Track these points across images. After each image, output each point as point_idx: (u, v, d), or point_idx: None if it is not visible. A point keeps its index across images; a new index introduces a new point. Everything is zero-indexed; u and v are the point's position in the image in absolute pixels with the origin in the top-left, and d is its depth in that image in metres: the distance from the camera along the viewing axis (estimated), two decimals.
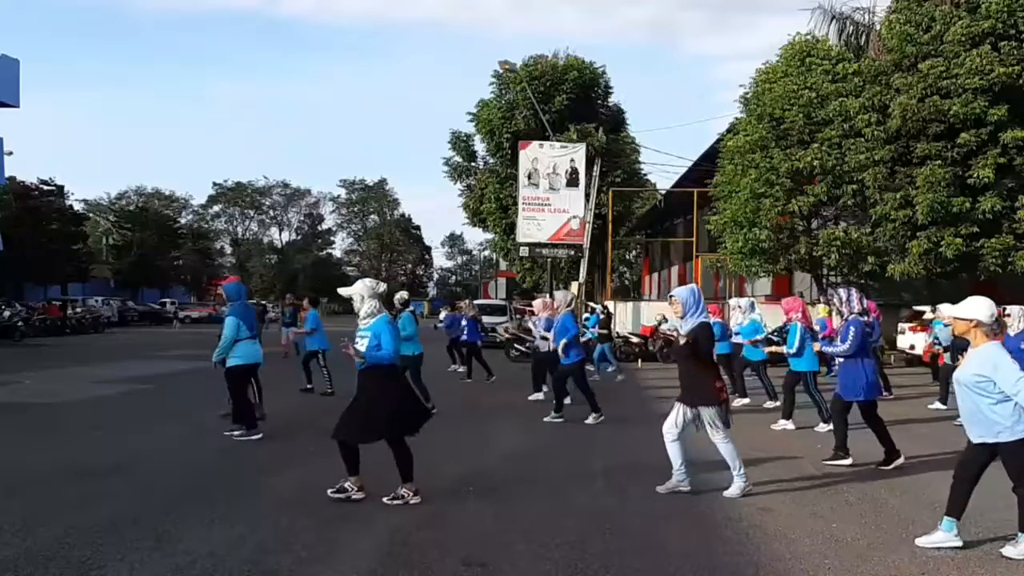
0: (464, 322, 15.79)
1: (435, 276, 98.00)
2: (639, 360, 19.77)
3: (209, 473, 6.83)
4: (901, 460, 7.33)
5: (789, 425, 9.56)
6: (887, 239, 18.44)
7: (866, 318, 7.66)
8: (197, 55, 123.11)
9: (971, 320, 4.86)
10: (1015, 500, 6.20)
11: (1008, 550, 4.82)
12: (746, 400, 11.49)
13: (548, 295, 26.06)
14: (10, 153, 28.95)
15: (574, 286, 25.52)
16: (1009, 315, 8.99)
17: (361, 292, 5.89)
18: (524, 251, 26.40)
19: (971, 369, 4.89)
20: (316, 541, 4.89)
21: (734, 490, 6.13)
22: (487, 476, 6.84)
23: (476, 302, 31.99)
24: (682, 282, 33.81)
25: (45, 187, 46.27)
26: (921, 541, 4.98)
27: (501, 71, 29.91)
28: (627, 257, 47.11)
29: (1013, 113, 16.70)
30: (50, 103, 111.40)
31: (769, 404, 11.29)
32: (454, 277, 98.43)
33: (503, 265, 44.46)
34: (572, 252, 25.65)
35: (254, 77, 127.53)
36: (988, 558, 4.80)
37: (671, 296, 6.44)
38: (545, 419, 9.90)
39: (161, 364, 14.12)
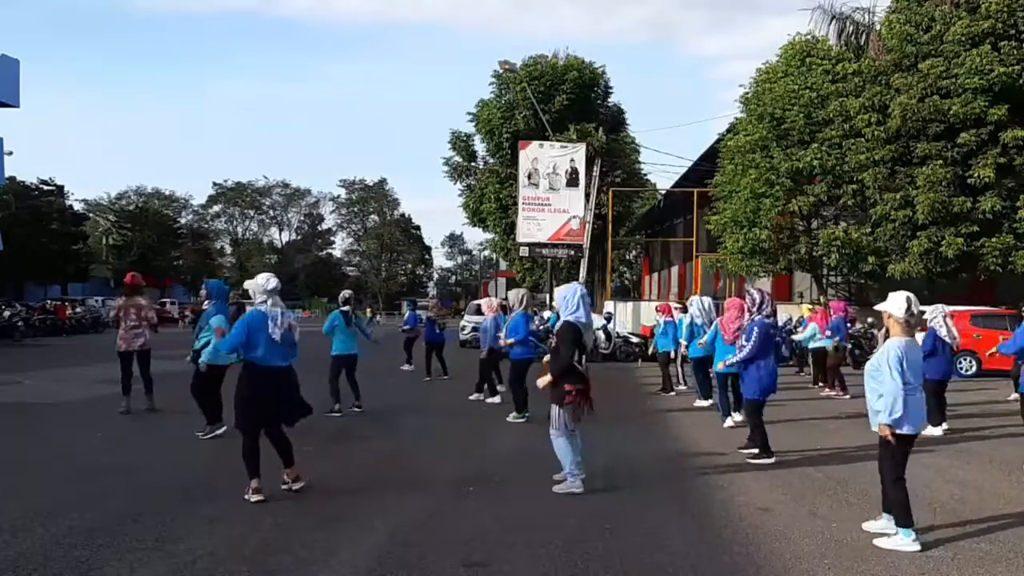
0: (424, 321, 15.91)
1: (435, 276, 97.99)
2: (639, 360, 19.78)
3: (209, 473, 6.83)
4: (771, 460, 7.41)
5: (737, 416, 9.58)
6: (887, 239, 18.46)
7: (771, 320, 7.80)
8: (197, 55, 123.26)
9: (885, 313, 5.15)
10: (1014, 498, 6.23)
11: (882, 541, 4.92)
12: (708, 402, 11.51)
13: (549, 295, 26.13)
14: (10, 153, 28.98)
15: None
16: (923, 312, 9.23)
17: (252, 290, 6.00)
18: (524, 251, 26.44)
19: (873, 357, 5.17)
20: (316, 541, 4.89)
21: (561, 487, 6.17)
22: (487, 476, 6.84)
23: (475, 302, 32.18)
24: (682, 282, 33.86)
25: (45, 187, 46.33)
26: (880, 543, 4.97)
27: (501, 71, 29.94)
28: (627, 257, 47.11)
29: (1013, 113, 16.73)
30: (50, 103, 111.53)
31: (699, 403, 11.52)
32: (454, 277, 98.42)
33: (503, 265, 44.48)
34: (572, 252, 25.67)
35: (254, 77, 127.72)
36: (987, 558, 4.80)
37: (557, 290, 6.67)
38: (508, 418, 9.89)
39: (160, 364, 14.00)
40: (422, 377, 14.87)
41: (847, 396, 12.59)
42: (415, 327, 17.03)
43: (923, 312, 5.21)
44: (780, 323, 17.81)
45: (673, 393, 12.99)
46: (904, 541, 4.85)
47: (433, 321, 15.60)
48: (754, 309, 7.84)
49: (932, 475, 7.00)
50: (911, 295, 5.14)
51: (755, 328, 7.66)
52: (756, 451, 7.57)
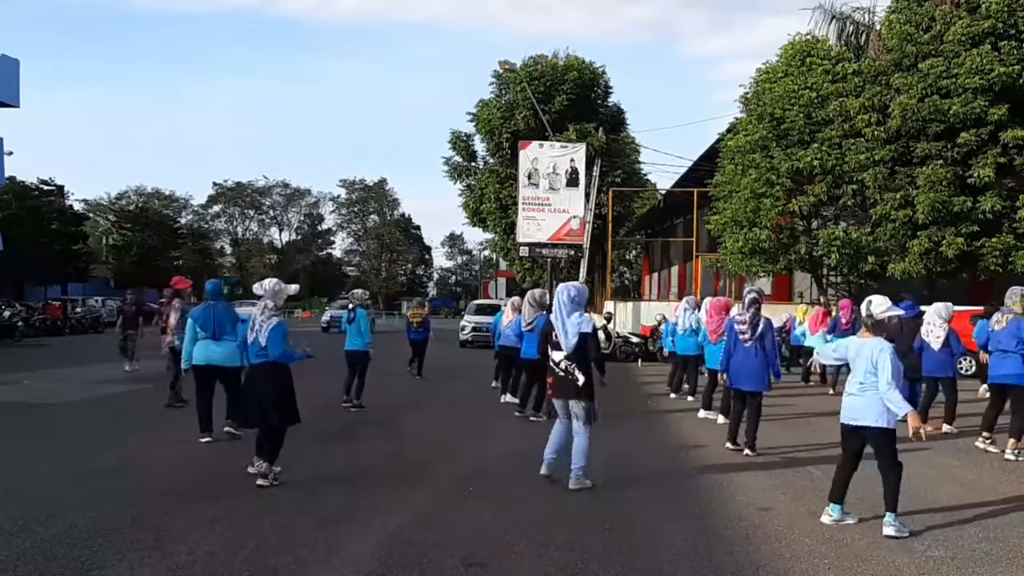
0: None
1: (435, 276, 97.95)
2: (639, 360, 19.79)
3: (209, 473, 6.83)
4: (746, 452, 7.85)
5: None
6: (887, 239, 18.45)
7: (737, 318, 8.16)
8: (196, 55, 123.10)
9: None
10: (1014, 498, 6.23)
11: (887, 529, 5.17)
12: (690, 397, 12.07)
13: (548, 294, 26.13)
14: (10, 153, 28.93)
15: None
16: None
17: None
18: (524, 251, 26.41)
19: None
20: (316, 541, 4.89)
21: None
22: (487, 476, 6.84)
23: (475, 302, 32.41)
24: (682, 282, 33.85)
25: (45, 187, 46.29)
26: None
27: (501, 71, 29.92)
28: (627, 257, 47.12)
29: (1013, 113, 16.70)
30: (50, 103, 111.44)
31: (690, 398, 11.99)
32: (454, 277, 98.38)
33: (503, 265, 44.45)
34: (572, 252, 25.65)
35: (254, 77, 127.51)
36: (987, 558, 4.80)
37: None
38: (532, 418, 9.97)
39: (160, 364, 14.04)
40: (431, 376, 15.27)
41: (833, 393, 12.74)
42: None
43: (876, 314, 5.36)
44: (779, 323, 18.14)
45: (673, 396, 13.06)
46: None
47: (409, 322, 16.10)
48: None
49: (932, 475, 7.00)
50: (875, 297, 5.44)
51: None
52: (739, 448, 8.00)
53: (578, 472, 6.26)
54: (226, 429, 8.28)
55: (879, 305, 5.37)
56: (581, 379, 6.21)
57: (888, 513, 5.18)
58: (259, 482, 6.17)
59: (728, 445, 8.09)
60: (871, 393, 5.20)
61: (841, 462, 5.52)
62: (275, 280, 6.67)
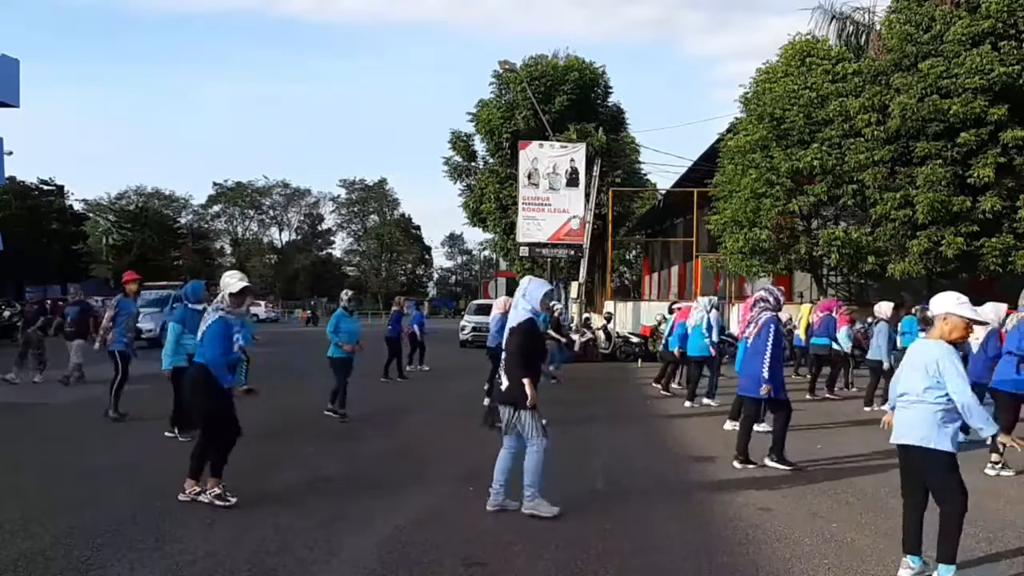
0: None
1: (435, 276, 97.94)
2: (639, 360, 19.78)
3: None
4: (745, 466, 7.29)
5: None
6: (887, 239, 18.46)
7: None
8: (196, 55, 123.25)
9: None
10: (1014, 498, 6.22)
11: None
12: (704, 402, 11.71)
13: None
14: (10, 153, 28.91)
15: (574, 286, 25.53)
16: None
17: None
18: (524, 251, 26.38)
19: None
20: (316, 541, 4.89)
21: (526, 505, 5.54)
22: (487, 476, 6.83)
23: (475, 302, 32.46)
24: (682, 282, 33.85)
25: (45, 187, 46.33)
26: None
27: (501, 71, 29.91)
28: (627, 257, 47.10)
29: (1013, 113, 16.71)
30: (50, 103, 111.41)
31: (687, 404, 11.54)
32: (454, 277, 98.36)
33: (503, 265, 44.44)
34: (572, 252, 25.62)
35: (254, 77, 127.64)
36: (987, 559, 4.80)
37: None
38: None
39: (160, 364, 14.11)
40: (431, 376, 15.17)
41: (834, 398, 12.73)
42: (412, 326, 17.04)
43: (930, 311, 4.61)
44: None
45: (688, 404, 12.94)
46: None
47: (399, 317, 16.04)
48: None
49: None
50: (946, 294, 4.59)
51: (769, 324, 7.56)
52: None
53: (528, 494, 5.47)
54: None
55: (936, 301, 4.55)
56: (504, 383, 5.53)
57: (940, 565, 4.22)
58: (216, 501, 5.61)
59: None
60: (922, 406, 4.34)
61: (904, 496, 4.55)
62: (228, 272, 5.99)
